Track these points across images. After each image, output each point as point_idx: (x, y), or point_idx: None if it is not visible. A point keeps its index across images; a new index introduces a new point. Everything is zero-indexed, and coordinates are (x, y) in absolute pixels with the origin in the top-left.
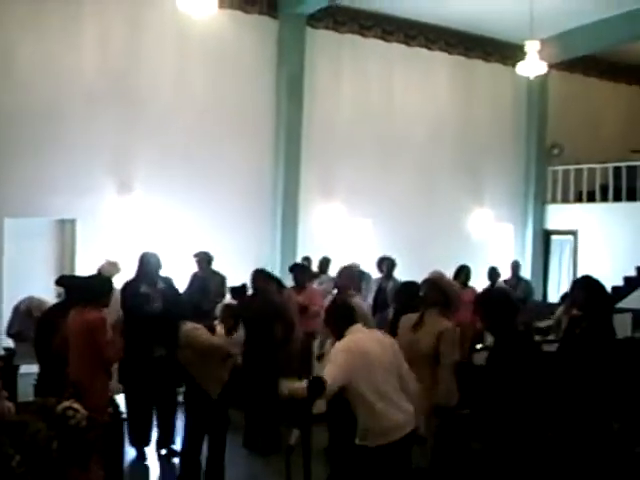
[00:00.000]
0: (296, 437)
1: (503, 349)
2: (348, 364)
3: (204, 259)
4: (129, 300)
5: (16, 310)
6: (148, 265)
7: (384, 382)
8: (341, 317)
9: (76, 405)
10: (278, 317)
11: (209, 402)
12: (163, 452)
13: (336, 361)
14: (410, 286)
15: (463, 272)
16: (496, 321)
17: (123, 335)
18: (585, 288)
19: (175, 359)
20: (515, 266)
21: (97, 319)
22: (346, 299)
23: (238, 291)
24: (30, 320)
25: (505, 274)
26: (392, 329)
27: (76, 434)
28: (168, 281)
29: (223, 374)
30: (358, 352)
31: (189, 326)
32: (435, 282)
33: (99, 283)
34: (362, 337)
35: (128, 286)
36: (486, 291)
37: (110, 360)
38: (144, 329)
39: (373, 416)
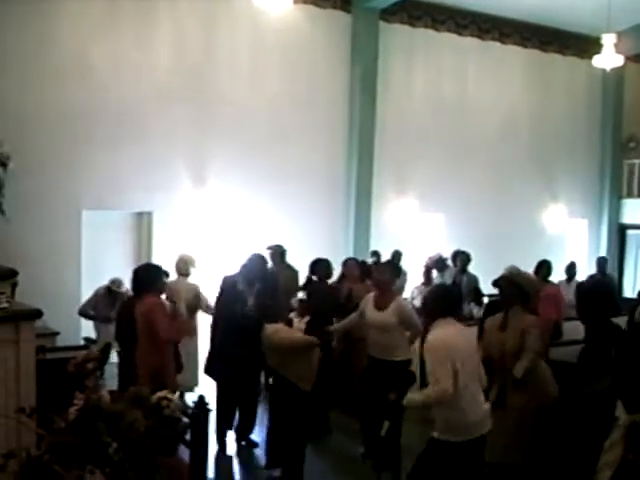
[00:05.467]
0: (386, 428)
1: (597, 344)
2: (451, 365)
3: (277, 252)
4: (224, 295)
5: (96, 293)
6: (249, 264)
7: (470, 379)
8: (439, 305)
9: (170, 395)
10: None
11: (299, 395)
12: (243, 443)
13: (444, 364)
14: None
15: (544, 267)
16: (591, 313)
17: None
18: None
19: (257, 360)
20: (602, 262)
21: (153, 303)
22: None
23: None
24: (108, 298)
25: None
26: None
27: (169, 423)
28: (270, 280)
29: (312, 365)
30: (454, 349)
31: (269, 330)
32: (511, 279)
33: (146, 272)
34: (453, 332)
35: (225, 281)
36: (589, 282)
37: (165, 340)
38: (229, 327)
39: (457, 411)
